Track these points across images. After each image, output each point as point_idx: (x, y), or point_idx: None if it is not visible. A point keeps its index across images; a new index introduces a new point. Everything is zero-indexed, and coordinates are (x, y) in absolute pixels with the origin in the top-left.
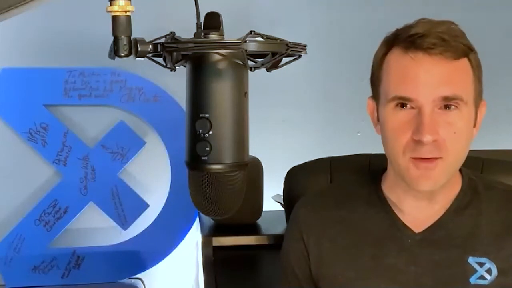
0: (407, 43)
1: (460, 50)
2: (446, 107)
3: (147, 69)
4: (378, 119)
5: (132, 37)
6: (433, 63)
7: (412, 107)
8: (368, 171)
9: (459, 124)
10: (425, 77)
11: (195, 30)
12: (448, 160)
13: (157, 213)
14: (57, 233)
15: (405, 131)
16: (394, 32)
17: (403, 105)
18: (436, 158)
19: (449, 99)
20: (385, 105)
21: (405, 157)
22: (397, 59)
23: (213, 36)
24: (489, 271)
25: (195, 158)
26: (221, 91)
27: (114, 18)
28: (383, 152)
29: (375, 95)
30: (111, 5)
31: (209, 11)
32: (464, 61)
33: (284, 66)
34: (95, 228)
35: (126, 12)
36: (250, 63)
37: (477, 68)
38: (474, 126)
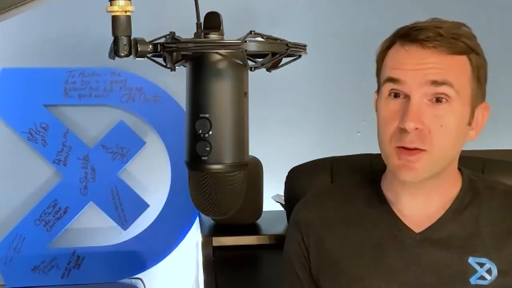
0: (404, 36)
1: (457, 47)
2: (437, 100)
3: (147, 69)
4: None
5: (132, 37)
6: (426, 54)
7: (403, 97)
8: (369, 171)
9: (448, 118)
10: (416, 63)
11: (195, 30)
12: (432, 154)
13: (157, 213)
14: (57, 233)
15: (393, 120)
16: (400, 28)
17: (396, 95)
18: (419, 151)
19: (438, 84)
20: (380, 93)
21: (391, 146)
22: (394, 52)
23: (213, 36)
24: (489, 271)
25: (195, 158)
26: (221, 91)
27: (114, 18)
28: None
29: (378, 88)
30: (111, 5)
31: (209, 11)
32: (462, 59)
33: (284, 66)
34: (95, 228)
35: (126, 12)
36: (250, 63)
37: (477, 69)
38: (470, 125)
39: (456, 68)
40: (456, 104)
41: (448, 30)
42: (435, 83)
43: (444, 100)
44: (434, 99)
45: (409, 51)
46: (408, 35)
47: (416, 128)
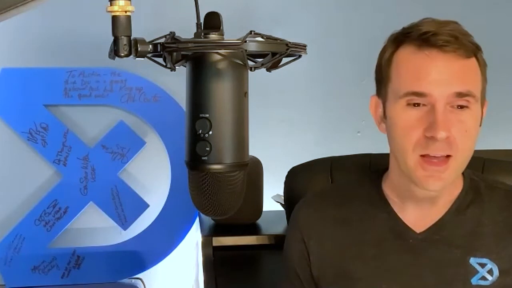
0: (420, 41)
1: (470, 48)
2: (459, 105)
3: (147, 69)
4: (384, 117)
5: (132, 37)
6: (447, 60)
7: (424, 105)
8: (368, 171)
9: (470, 122)
10: (439, 73)
11: (195, 30)
12: (458, 159)
13: (157, 213)
14: (57, 233)
15: (416, 128)
16: (402, 31)
17: (415, 104)
18: (446, 159)
19: (462, 95)
20: (396, 102)
21: (414, 155)
22: (409, 57)
23: (213, 36)
24: (490, 271)
25: (195, 158)
26: (221, 91)
27: (114, 18)
28: (384, 152)
29: (381, 93)
30: (111, 5)
31: (209, 11)
32: (474, 60)
33: (284, 66)
34: (95, 228)
35: (126, 12)
36: (250, 63)
37: (483, 67)
38: (480, 125)
39: (473, 73)
40: (475, 107)
41: (457, 31)
42: (459, 94)
43: (465, 105)
44: (456, 105)
45: (430, 55)
46: (425, 40)
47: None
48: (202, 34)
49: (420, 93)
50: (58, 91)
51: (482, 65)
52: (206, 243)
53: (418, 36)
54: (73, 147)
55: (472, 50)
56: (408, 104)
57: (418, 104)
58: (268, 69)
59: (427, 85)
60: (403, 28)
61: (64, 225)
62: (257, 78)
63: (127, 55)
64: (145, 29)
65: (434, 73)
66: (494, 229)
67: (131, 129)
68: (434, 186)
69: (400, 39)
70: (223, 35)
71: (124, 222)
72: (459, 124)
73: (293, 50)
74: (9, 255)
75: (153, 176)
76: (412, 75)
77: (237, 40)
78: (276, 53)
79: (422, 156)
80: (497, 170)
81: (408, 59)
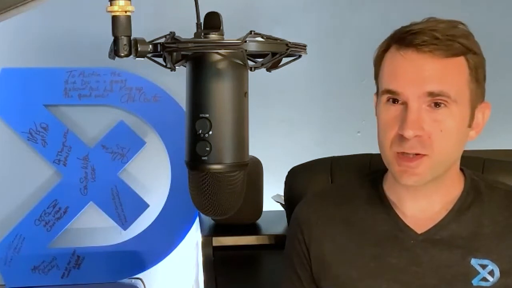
0: (400, 41)
1: (453, 49)
2: (436, 105)
3: (147, 69)
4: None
5: (132, 37)
6: (422, 60)
7: (402, 103)
8: (369, 171)
9: (448, 122)
10: (413, 72)
11: (195, 30)
12: (434, 158)
13: (157, 213)
14: (57, 233)
15: (393, 125)
16: (396, 30)
17: (394, 101)
18: (420, 156)
19: (435, 95)
20: (379, 99)
21: (391, 151)
22: (391, 56)
23: (213, 36)
24: (491, 273)
25: (195, 158)
26: (221, 91)
27: (114, 18)
28: None
29: (376, 90)
30: (111, 5)
31: (209, 11)
32: (459, 60)
33: (284, 66)
34: (95, 228)
35: (126, 12)
36: (250, 63)
37: (475, 69)
38: (470, 126)
39: (454, 72)
40: (455, 107)
41: (444, 31)
42: (431, 94)
43: (442, 104)
44: (433, 104)
45: (404, 56)
46: (403, 40)
47: (416, 135)
48: (202, 34)
49: (394, 91)
50: (58, 91)
51: (473, 67)
52: (206, 243)
53: (399, 35)
54: (73, 147)
55: (457, 50)
56: (388, 101)
57: (397, 101)
58: (268, 69)
59: (401, 84)
60: (400, 27)
61: (64, 225)
62: (257, 78)
63: (127, 55)
64: (145, 29)
65: (408, 73)
66: (494, 229)
67: (131, 129)
68: (409, 181)
69: (389, 38)
70: (223, 35)
71: (124, 222)
72: (434, 124)
73: (293, 50)
74: (9, 255)
75: (153, 176)
76: (390, 73)
77: (237, 40)
78: (276, 53)
79: (398, 152)
80: (497, 170)
81: (390, 59)
